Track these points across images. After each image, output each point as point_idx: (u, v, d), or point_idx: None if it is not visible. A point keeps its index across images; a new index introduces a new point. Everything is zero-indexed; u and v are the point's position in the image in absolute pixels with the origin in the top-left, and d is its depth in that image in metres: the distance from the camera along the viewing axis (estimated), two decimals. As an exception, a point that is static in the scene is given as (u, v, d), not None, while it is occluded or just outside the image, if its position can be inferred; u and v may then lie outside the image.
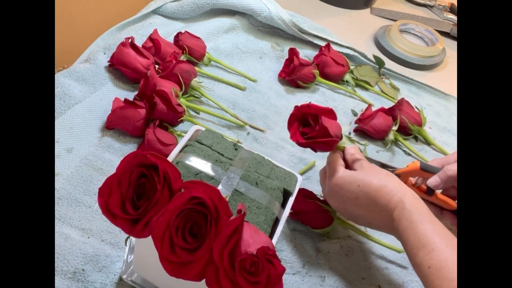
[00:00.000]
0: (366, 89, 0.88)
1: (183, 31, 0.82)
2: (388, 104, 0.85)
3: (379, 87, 0.89)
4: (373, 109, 0.80)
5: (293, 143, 0.74)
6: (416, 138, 0.81)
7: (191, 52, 0.80)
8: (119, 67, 0.74)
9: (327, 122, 0.55)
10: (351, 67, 0.89)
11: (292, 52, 0.83)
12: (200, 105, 0.75)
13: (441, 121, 0.87)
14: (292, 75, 0.83)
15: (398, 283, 0.60)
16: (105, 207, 0.37)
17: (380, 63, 0.91)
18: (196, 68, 0.77)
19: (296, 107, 0.57)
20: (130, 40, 0.74)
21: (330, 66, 0.85)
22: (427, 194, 0.60)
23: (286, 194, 0.54)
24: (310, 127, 0.56)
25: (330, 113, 0.56)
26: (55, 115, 0.67)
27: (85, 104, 0.70)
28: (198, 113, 0.74)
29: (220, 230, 0.36)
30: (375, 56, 0.91)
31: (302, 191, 0.62)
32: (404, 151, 0.79)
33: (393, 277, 0.61)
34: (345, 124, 0.80)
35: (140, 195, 0.38)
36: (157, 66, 0.76)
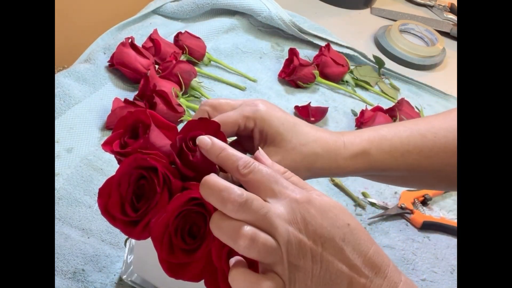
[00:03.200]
0: (366, 89, 0.88)
1: (183, 31, 0.82)
2: (388, 104, 0.85)
3: (379, 87, 0.90)
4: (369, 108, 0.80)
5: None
6: (416, 138, 0.81)
7: (191, 52, 0.80)
8: (119, 67, 0.74)
9: (157, 137, 0.40)
10: (351, 67, 0.89)
11: (292, 53, 0.83)
12: (200, 105, 0.75)
13: (441, 121, 0.87)
14: (292, 75, 0.83)
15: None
16: (104, 209, 0.37)
17: (380, 63, 0.91)
18: (196, 68, 0.77)
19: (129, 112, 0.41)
20: (130, 40, 0.74)
21: (330, 66, 0.85)
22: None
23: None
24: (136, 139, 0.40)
25: (172, 130, 0.42)
26: (55, 115, 0.67)
27: (85, 104, 0.70)
28: (198, 113, 0.74)
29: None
30: (375, 56, 0.91)
31: None
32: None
33: (393, 277, 0.61)
34: (346, 124, 0.80)
35: (139, 197, 0.38)
36: (157, 66, 0.76)
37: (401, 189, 0.71)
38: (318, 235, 0.33)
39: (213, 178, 0.33)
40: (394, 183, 0.53)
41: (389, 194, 0.71)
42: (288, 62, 0.85)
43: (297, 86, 0.84)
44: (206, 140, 0.36)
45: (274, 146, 0.43)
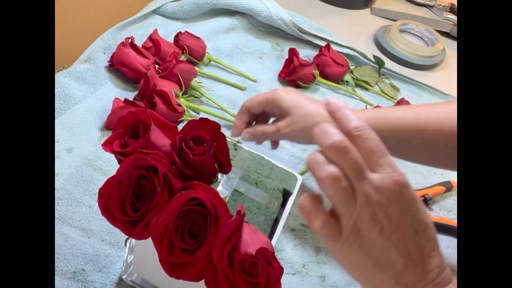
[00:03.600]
0: (366, 89, 0.88)
1: (183, 31, 0.82)
2: (388, 104, 0.85)
3: (379, 87, 0.90)
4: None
5: (294, 143, 0.74)
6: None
7: (191, 52, 0.80)
8: (119, 67, 0.74)
9: (158, 137, 0.41)
10: (351, 67, 0.89)
11: (292, 53, 0.83)
12: (200, 105, 0.75)
13: (441, 121, 0.87)
14: (292, 75, 0.83)
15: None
16: (104, 209, 0.37)
17: (380, 63, 0.91)
18: (196, 68, 0.77)
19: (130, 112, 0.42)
20: (130, 40, 0.74)
21: (330, 67, 0.85)
22: None
23: (286, 194, 0.54)
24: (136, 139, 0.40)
25: (172, 129, 0.42)
26: (55, 115, 0.67)
27: (85, 104, 0.70)
28: (198, 113, 0.74)
29: (219, 230, 0.36)
30: (375, 56, 0.91)
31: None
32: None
33: (393, 277, 0.61)
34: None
35: (140, 197, 0.38)
36: (157, 66, 0.76)
37: None
38: (397, 217, 0.34)
39: (327, 125, 0.36)
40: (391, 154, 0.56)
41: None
42: (288, 62, 0.85)
43: (297, 86, 0.84)
44: (331, 100, 0.38)
45: (285, 117, 0.57)
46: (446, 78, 0.98)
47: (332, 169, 0.34)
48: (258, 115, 0.61)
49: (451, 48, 1.06)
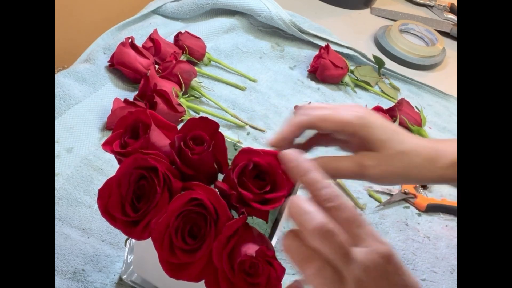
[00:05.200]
0: (366, 89, 0.88)
1: (183, 31, 0.82)
2: (388, 104, 0.85)
3: (379, 87, 0.89)
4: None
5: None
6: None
7: (191, 52, 0.80)
8: (119, 67, 0.74)
9: (158, 137, 0.40)
10: (351, 68, 0.89)
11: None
12: (200, 105, 0.75)
13: (441, 121, 0.87)
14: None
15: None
16: (104, 209, 0.37)
17: (380, 63, 0.91)
18: (196, 68, 0.77)
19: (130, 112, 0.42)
20: (130, 40, 0.74)
21: (329, 69, 0.85)
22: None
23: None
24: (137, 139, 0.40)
25: (172, 129, 0.42)
26: (55, 115, 0.67)
27: (85, 104, 0.70)
28: (198, 113, 0.74)
29: (219, 231, 0.36)
30: (374, 56, 0.91)
31: None
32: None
33: (393, 277, 0.61)
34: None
35: (140, 197, 0.38)
36: (157, 66, 0.76)
37: None
38: None
39: (297, 200, 0.33)
40: None
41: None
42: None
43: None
44: (291, 155, 0.35)
45: (372, 151, 0.44)
46: (446, 78, 0.98)
47: (312, 261, 0.32)
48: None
49: (451, 48, 1.06)
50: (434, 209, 0.70)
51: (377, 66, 0.91)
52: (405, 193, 0.70)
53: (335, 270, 0.32)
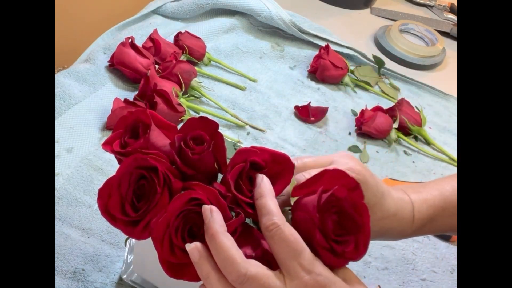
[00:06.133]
0: (366, 89, 0.88)
1: (183, 31, 0.82)
2: (388, 104, 0.85)
3: (379, 87, 0.90)
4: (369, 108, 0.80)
5: (294, 143, 0.74)
6: (416, 138, 0.81)
7: (191, 52, 0.80)
8: (119, 67, 0.74)
9: (158, 137, 0.40)
10: (351, 68, 0.89)
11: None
12: (200, 105, 0.75)
13: (441, 121, 0.87)
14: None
15: (398, 283, 0.60)
16: (104, 209, 0.37)
17: (379, 63, 0.91)
18: (196, 68, 0.77)
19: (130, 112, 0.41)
20: (130, 40, 0.75)
21: (329, 70, 0.85)
22: None
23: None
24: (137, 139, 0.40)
25: (172, 129, 0.41)
26: (55, 115, 0.67)
27: (85, 104, 0.70)
28: (198, 113, 0.74)
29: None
30: (374, 56, 0.91)
31: None
32: (404, 151, 0.79)
33: (393, 277, 0.61)
34: (346, 124, 0.80)
35: (140, 197, 0.38)
36: (157, 66, 0.76)
37: (385, 176, 0.73)
38: None
39: (220, 239, 0.33)
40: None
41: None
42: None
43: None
44: (259, 178, 0.36)
45: None
46: (446, 78, 0.98)
47: None
48: None
49: (451, 48, 1.06)
50: None
51: (377, 66, 0.91)
52: None
53: None
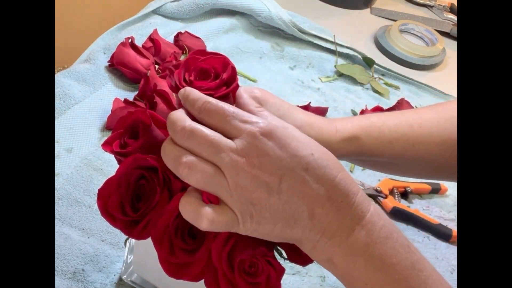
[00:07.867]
0: (366, 88, 0.88)
1: (183, 31, 0.82)
2: (388, 104, 0.85)
3: (371, 86, 0.89)
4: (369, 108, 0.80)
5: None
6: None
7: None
8: (119, 67, 0.74)
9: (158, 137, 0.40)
10: (338, 64, 0.89)
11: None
12: (200, 105, 0.75)
13: (441, 121, 0.87)
14: None
15: (397, 283, 0.60)
16: (104, 209, 0.37)
17: (369, 62, 0.91)
18: (196, 68, 0.77)
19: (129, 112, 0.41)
20: (130, 40, 0.75)
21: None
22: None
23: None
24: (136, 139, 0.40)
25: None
26: (55, 115, 0.67)
27: (85, 104, 0.70)
28: (198, 113, 0.74)
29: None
30: (364, 57, 0.91)
31: None
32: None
33: (393, 277, 0.61)
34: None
35: (139, 197, 0.38)
36: (157, 66, 0.76)
37: (385, 176, 0.72)
38: (276, 167, 0.32)
39: (174, 112, 0.34)
40: (383, 170, 0.54)
41: (374, 179, 0.72)
42: None
43: None
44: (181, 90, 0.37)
45: None
46: (446, 78, 0.98)
47: (183, 159, 0.32)
48: None
49: (451, 48, 1.06)
50: (399, 214, 0.67)
51: (376, 66, 0.91)
52: (376, 190, 0.68)
53: (210, 164, 0.32)
